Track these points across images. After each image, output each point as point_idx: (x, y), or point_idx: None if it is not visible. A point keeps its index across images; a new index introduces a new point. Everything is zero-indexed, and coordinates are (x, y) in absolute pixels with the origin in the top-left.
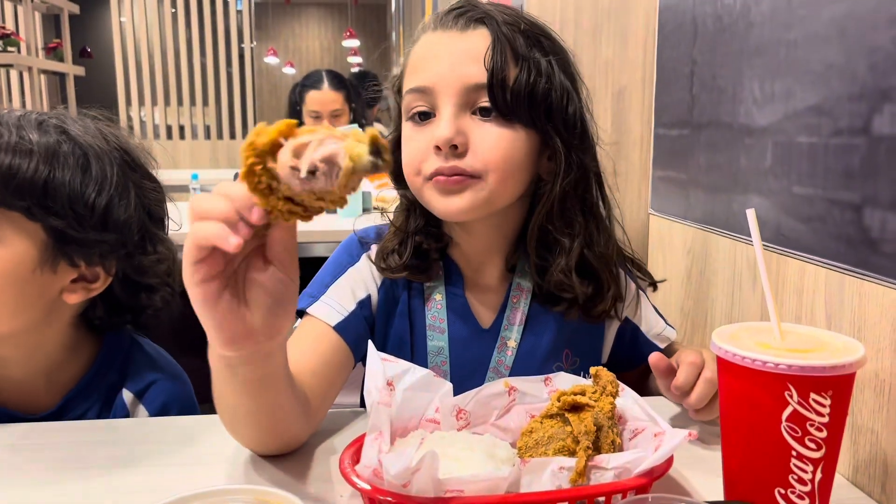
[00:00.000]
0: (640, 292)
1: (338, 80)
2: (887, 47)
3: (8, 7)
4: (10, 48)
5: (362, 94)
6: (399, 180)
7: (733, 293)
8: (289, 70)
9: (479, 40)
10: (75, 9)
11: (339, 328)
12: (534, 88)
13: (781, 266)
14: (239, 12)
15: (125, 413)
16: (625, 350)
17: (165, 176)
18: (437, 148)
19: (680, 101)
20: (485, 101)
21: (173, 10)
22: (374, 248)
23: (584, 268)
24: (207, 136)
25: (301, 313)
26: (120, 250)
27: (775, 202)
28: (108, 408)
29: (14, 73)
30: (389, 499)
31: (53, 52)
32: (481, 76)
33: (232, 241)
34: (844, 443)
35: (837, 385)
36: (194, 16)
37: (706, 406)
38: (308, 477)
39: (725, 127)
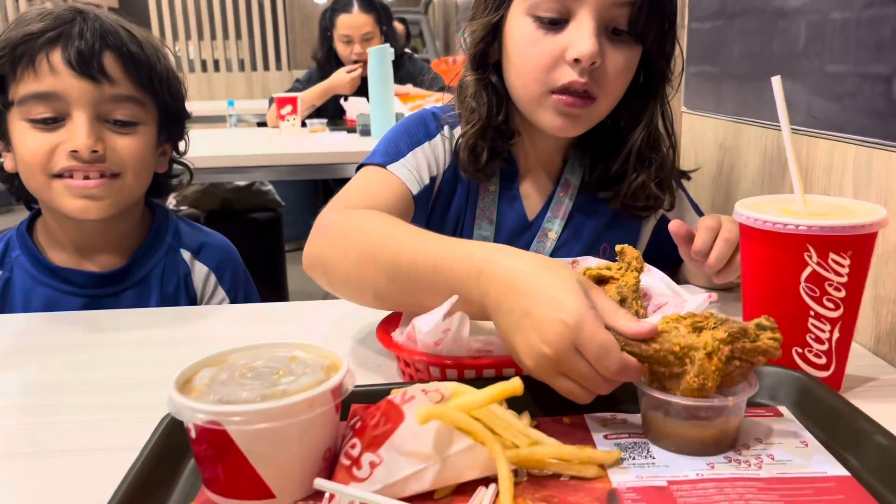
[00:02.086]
0: (681, 190)
1: (367, 2)
2: None
3: None
4: None
5: (392, 15)
6: (481, 65)
7: (763, 181)
8: (319, 0)
9: None
10: None
11: (417, 198)
12: (664, 12)
13: (811, 148)
14: None
15: (186, 269)
16: (661, 246)
17: (201, 106)
18: (576, 61)
19: None
20: (621, 22)
21: None
22: (446, 129)
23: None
24: (242, 68)
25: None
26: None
27: (807, 84)
28: (172, 265)
29: (49, 6)
30: (422, 358)
31: None
32: None
33: None
34: (867, 313)
35: (857, 245)
36: None
37: (726, 267)
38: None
39: (759, 12)
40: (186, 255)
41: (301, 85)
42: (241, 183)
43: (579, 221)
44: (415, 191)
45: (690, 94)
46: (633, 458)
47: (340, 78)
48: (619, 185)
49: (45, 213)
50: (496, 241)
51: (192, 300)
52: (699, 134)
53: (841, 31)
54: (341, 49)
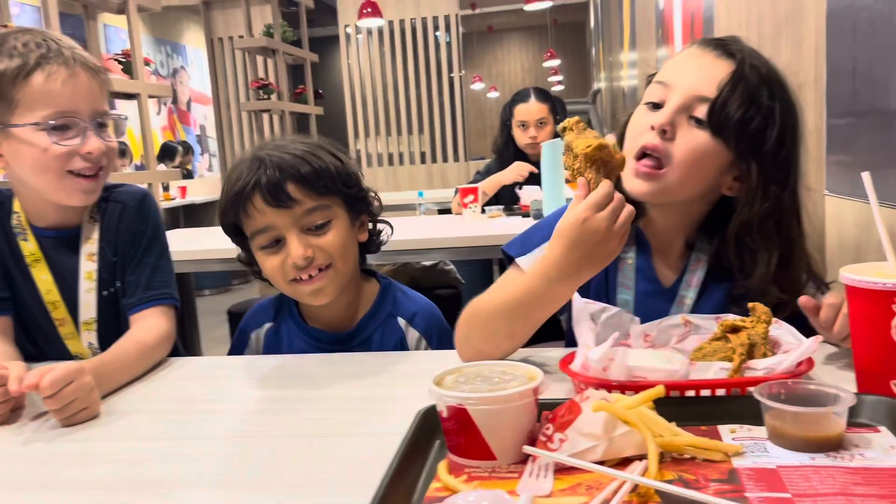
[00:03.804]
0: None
1: (543, 94)
2: None
3: (260, 60)
4: (265, 95)
5: (565, 105)
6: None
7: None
8: (493, 94)
9: (724, 67)
10: (315, 58)
11: None
12: (747, 119)
13: None
14: (448, 44)
15: (401, 334)
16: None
17: (390, 196)
18: (652, 128)
19: (846, 95)
20: (701, 113)
21: (392, 50)
22: None
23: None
24: (423, 160)
25: (511, 260)
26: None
27: None
28: (390, 330)
29: (265, 116)
30: (590, 381)
31: (299, 96)
32: (710, 92)
33: None
34: None
35: None
36: (410, 52)
37: (847, 337)
38: None
39: (880, 113)
40: (402, 322)
41: (480, 176)
42: (427, 263)
43: (710, 292)
44: None
45: (832, 179)
46: (753, 452)
47: (509, 175)
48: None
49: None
50: (636, 304)
51: None
52: (839, 214)
53: None
54: (518, 134)
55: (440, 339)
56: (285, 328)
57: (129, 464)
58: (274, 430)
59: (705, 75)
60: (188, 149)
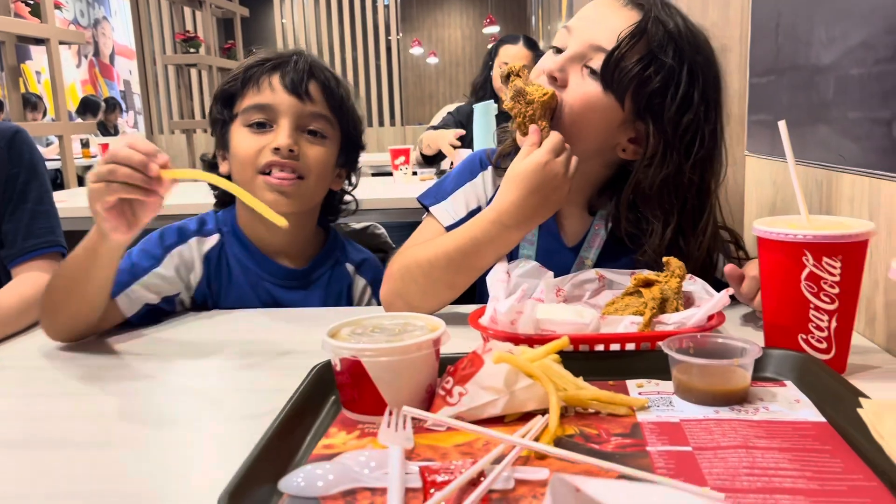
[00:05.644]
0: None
1: (532, 43)
2: None
3: (188, 12)
4: (192, 49)
5: None
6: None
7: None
8: (432, 60)
9: (629, 18)
10: (245, 12)
11: (449, 229)
12: (645, 78)
13: (838, 181)
14: (386, 7)
15: (349, 280)
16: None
17: None
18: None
19: (768, 52)
20: (597, 63)
21: (327, 10)
22: (489, 170)
23: (675, 251)
24: None
25: (426, 209)
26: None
27: (836, 128)
28: (338, 275)
29: (194, 72)
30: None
31: (228, 52)
32: (608, 43)
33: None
34: (879, 316)
35: (846, 251)
36: (346, 13)
37: (756, 297)
38: None
39: (800, 69)
40: (350, 268)
41: (451, 117)
42: (357, 226)
43: (612, 254)
44: (446, 223)
45: (752, 140)
46: (658, 406)
47: (445, 144)
48: (643, 239)
49: (244, 209)
50: (537, 260)
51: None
52: (759, 174)
53: (857, 84)
54: (497, 76)
55: None
56: (231, 252)
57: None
58: (168, 387)
59: (608, 25)
60: (114, 105)
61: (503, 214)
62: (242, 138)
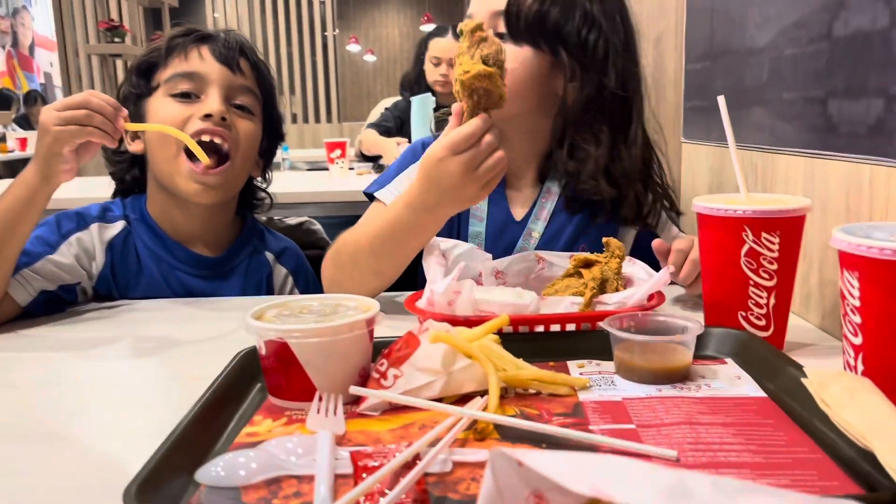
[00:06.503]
0: (669, 221)
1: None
2: None
3: (113, 2)
4: (116, 39)
5: None
6: None
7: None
8: (369, 58)
9: None
10: (174, 2)
11: None
12: (543, 13)
13: (773, 162)
14: (322, 3)
15: (269, 269)
16: (643, 257)
17: None
18: None
19: (703, 38)
20: (502, 27)
21: (261, 5)
22: None
23: (609, 178)
24: (294, 121)
25: (371, 197)
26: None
27: (771, 110)
28: (256, 264)
29: (119, 63)
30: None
31: None
32: (501, 4)
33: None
34: (815, 295)
35: (784, 226)
36: (281, 9)
37: (693, 282)
38: None
39: (735, 53)
40: (269, 257)
41: (388, 112)
42: (293, 221)
43: (560, 224)
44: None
45: (688, 126)
46: (599, 386)
47: (389, 156)
48: (597, 197)
49: (157, 195)
50: (487, 236)
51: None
52: (695, 160)
53: (791, 64)
54: (429, 70)
55: (307, 285)
56: (139, 240)
57: None
58: (88, 378)
59: None
60: (35, 98)
61: (413, 199)
62: (167, 108)
